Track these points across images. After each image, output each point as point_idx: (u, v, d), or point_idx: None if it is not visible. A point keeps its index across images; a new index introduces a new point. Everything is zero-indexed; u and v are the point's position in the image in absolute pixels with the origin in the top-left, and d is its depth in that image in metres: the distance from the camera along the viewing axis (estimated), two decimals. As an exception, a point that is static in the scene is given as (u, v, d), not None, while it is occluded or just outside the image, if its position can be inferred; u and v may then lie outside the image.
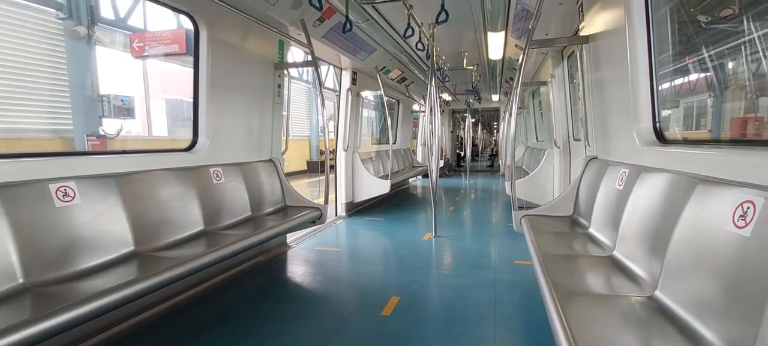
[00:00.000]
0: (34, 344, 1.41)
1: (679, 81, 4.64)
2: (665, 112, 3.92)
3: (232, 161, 3.47)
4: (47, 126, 7.05)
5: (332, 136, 6.18)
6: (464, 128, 14.16)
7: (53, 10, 6.99)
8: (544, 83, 5.71)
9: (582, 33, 3.37)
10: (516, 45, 5.21)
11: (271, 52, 3.91)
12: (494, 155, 16.08)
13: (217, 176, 3.23)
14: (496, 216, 6.22)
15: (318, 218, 3.69)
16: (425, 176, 10.27)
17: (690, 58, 4.13)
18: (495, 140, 19.69)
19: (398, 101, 9.15)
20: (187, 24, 3.29)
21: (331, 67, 6.23)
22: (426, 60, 5.98)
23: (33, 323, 1.41)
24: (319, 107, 4.10)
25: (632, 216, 2.10)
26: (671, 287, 1.57)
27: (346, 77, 5.92)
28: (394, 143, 9.16)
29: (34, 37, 6.79)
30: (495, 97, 11.51)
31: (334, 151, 5.98)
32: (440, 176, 9.19)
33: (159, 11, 9.23)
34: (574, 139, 4.65)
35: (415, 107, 10.57)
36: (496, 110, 14.12)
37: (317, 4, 3.02)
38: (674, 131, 4.48)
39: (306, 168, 14.58)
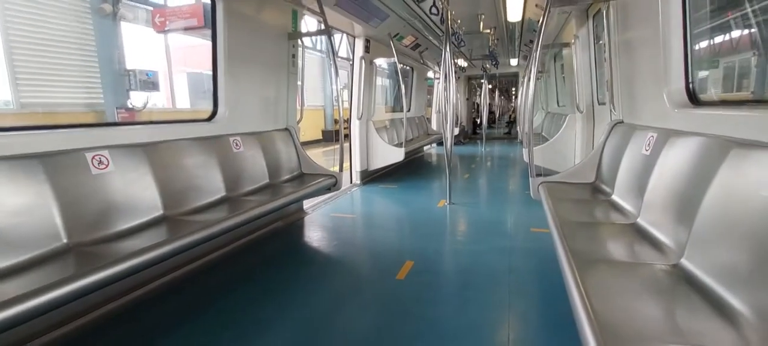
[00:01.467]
0: (76, 298, 1.57)
1: (719, 39, 4.39)
2: (702, 74, 3.75)
3: (250, 130, 3.56)
4: (81, 100, 7.33)
5: (346, 105, 6.20)
6: (480, 95, 13.88)
7: (77, -13, 7.10)
8: (567, 45, 5.51)
9: None
10: (536, 5, 5.01)
11: (285, 22, 3.90)
12: (512, 122, 15.77)
13: (237, 144, 3.34)
14: (513, 184, 6.22)
15: (333, 186, 3.79)
16: (440, 143, 10.24)
17: (732, 14, 3.90)
18: (513, 107, 19.25)
19: (412, 69, 9.02)
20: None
21: (345, 35, 6.17)
22: (440, 25, 5.84)
23: (76, 279, 1.55)
24: (333, 76, 4.11)
25: (659, 182, 2.05)
26: (698, 254, 1.52)
27: (359, 45, 5.86)
28: (408, 111, 9.12)
29: (64, 16, 6.95)
30: (513, 62, 11.17)
31: (348, 120, 6.02)
32: (455, 144, 9.16)
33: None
34: (598, 104, 4.54)
35: (430, 74, 10.39)
36: (515, 75, 13.72)
37: None
38: (711, 93, 4.29)
39: (321, 137, 14.69)
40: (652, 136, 2.31)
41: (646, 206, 2.13)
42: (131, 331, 2.13)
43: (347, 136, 5.98)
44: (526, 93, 5.17)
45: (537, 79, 3.33)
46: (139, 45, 8.66)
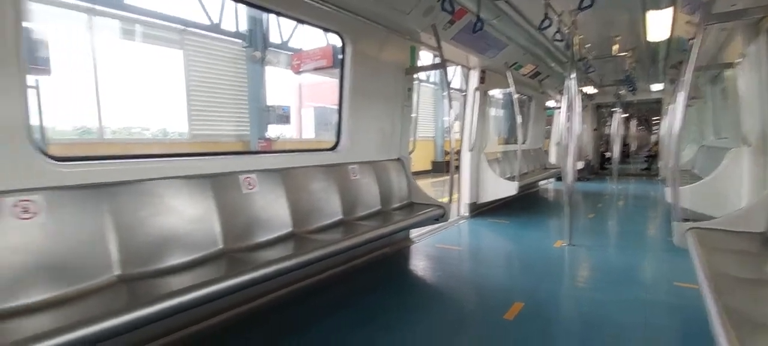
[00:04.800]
0: (225, 295, 1.90)
1: None
2: None
3: (366, 159, 3.86)
4: (233, 132, 9.05)
5: (458, 136, 6.21)
6: (612, 125, 12.30)
7: (239, 41, 8.92)
8: (730, 65, 4.59)
9: None
10: (688, 22, 4.32)
11: (403, 58, 4.20)
12: (652, 156, 13.49)
13: (354, 173, 3.65)
14: (652, 228, 5.30)
15: (441, 216, 3.80)
16: (559, 179, 9.37)
17: None
18: (653, 139, 16.51)
19: (530, 98, 8.58)
20: (334, 41, 3.81)
21: (459, 67, 6.28)
22: (565, 51, 5.47)
23: (227, 279, 1.91)
24: (446, 108, 4.20)
25: None
26: None
27: (474, 77, 5.87)
28: (524, 143, 8.63)
29: (226, 63, 8.80)
30: (655, 87, 9.68)
31: (459, 152, 6.01)
32: (579, 180, 8.27)
33: (312, 32, 10.77)
34: None
35: (550, 103, 9.71)
36: (657, 102, 11.82)
37: (449, 8, 3.13)
38: None
39: (430, 168, 14.89)
40: None
41: None
42: (259, 332, 2.47)
43: (458, 168, 5.96)
44: (672, 122, 4.42)
45: (688, 105, 2.83)
46: (277, 84, 10.26)
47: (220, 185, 2.54)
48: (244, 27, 8.96)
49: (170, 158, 2.53)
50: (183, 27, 8.07)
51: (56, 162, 1.93)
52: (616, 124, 10.53)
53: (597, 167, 13.00)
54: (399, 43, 4.01)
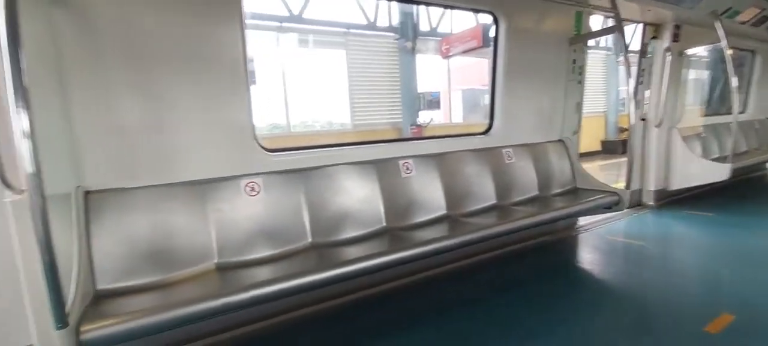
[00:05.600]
0: (390, 267, 2.13)
1: None
2: None
3: (522, 142, 3.64)
4: (387, 120, 9.82)
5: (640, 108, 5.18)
6: None
7: (392, 34, 9.55)
8: None
9: None
10: None
11: (566, 26, 3.75)
12: None
13: (509, 156, 3.50)
14: None
15: (615, 204, 3.29)
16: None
17: None
18: None
19: (752, 52, 6.45)
20: (485, 20, 3.69)
21: (637, 26, 5.18)
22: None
23: (392, 252, 2.14)
24: (624, 77, 3.55)
25: None
26: None
27: (665, 35, 4.76)
28: (742, 112, 6.55)
29: (381, 56, 9.56)
30: None
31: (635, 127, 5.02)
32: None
33: (460, 15, 10.65)
34: None
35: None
36: None
37: None
38: None
39: (600, 149, 12.86)
40: None
41: None
42: (425, 302, 2.67)
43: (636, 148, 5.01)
44: None
45: None
46: (426, 70, 10.52)
47: (382, 170, 2.82)
48: (396, 21, 9.52)
49: (341, 147, 2.94)
50: (346, 30, 9.11)
51: (268, 153, 2.51)
52: None
53: None
54: (561, 10, 3.59)
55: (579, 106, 4.03)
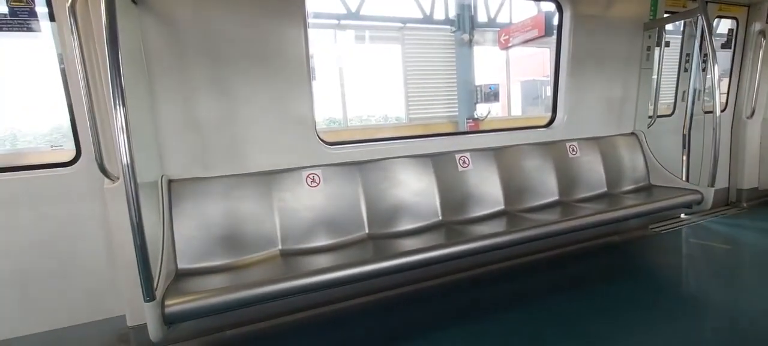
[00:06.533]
0: (447, 260, 2.12)
1: None
2: None
3: (589, 136, 3.41)
4: (444, 113, 9.70)
5: (724, 99, 4.61)
6: None
7: (448, 27, 9.39)
8: None
9: None
10: None
11: (640, 10, 3.43)
12: None
13: (573, 150, 3.30)
14: None
15: (696, 204, 2.97)
16: None
17: None
18: None
19: None
20: (547, 8, 3.49)
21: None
22: None
23: (448, 246, 2.13)
24: (711, 63, 3.16)
25: None
26: None
27: (761, 14, 4.19)
28: None
29: (437, 49, 9.44)
30: None
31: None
32: None
33: (519, 4, 10.18)
34: None
35: None
36: None
37: None
38: None
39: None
40: None
41: None
42: (479, 298, 2.63)
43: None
44: None
45: None
46: (484, 62, 10.19)
47: (439, 163, 2.80)
48: (452, 13, 9.34)
49: (398, 140, 2.97)
50: (402, 24, 9.12)
51: (327, 146, 2.61)
52: None
53: None
54: None
55: (655, 96, 3.68)
